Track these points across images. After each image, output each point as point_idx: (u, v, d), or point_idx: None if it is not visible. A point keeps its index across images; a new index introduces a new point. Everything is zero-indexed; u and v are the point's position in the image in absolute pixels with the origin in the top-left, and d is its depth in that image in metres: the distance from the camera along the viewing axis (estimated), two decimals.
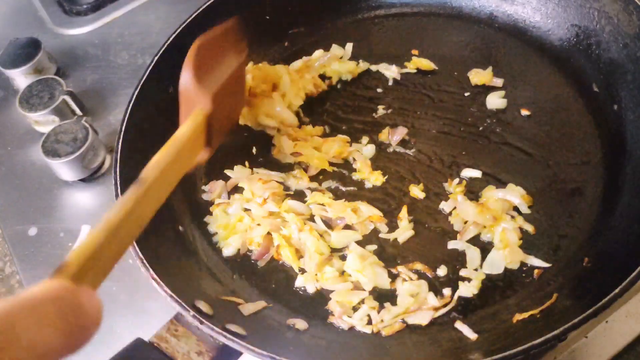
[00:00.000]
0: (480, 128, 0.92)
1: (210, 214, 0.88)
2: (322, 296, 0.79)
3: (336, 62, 1.03)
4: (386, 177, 0.88)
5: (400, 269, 0.79)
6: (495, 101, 0.94)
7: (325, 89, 1.01)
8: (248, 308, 0.76)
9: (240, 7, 1.04)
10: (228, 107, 0.74)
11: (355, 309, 0.77)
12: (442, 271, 0.78)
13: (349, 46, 1.06)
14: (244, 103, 0.85)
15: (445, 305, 0.75)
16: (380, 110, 0.97)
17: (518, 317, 0.70)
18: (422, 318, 0.74)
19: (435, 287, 0.77)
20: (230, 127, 0.79)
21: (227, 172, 0.92)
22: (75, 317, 0.39)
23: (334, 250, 0.82)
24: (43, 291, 0.39)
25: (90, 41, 1.26)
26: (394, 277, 0.79)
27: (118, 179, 0.80)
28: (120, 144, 0.84)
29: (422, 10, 1.10)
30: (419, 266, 0.79)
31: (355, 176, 0.89)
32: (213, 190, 0.91)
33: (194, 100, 0.68)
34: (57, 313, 0.38)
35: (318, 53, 1.05)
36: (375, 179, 0.88)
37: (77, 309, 0.40)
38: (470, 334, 0.71)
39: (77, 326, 0.39)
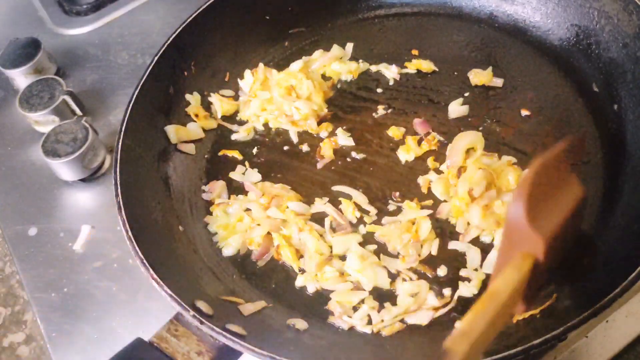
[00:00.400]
0: (480, 128, 0.92)
1: (210, 214, 0.88)
2: (322, 296, 0.79)
3: (336, 62, 1.03)
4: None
5: (401, 269, 0.79)
6: (456, 109, 0.94)
7: (330, 95, 1.01)
8: (248, 308, 0.76)
9: (241, 7, 1.04)
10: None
11: (355, 309, 0.77)
12: (442, 271, 0.78)
13: (349, 46, 1.06)
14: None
15: (445, 305, 0.75)
16: (380, 110, 0.97)
17: (518, 317, 0.70)
18: (422, 318, 0.74)
19: (435, 287, 0.77)
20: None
21: (232, 175, 0.92)
22: None
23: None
24: None
25: (90, 41, 1.26)
26: (393, 277, 0.79)
27: (118, 179, 0.80)
28: (120, 144, 0.84)
29: (422, 10, 1.10)
30: (419, 266, 0.79)
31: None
32: (213, 190, 0.91)
33: (521, 242, 0.53)
34: None
35: (318, 53, 1.05)
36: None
37: None
38: None
39: None
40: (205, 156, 0.96)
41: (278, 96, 0.97)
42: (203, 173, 0.94)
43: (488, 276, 0.77)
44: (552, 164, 0.56)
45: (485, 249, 0.79)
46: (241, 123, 1.00)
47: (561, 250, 0.59)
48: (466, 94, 0.96)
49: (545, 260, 0.54)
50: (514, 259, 0.54)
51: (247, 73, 1.02)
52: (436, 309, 0.75)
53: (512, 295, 0.52)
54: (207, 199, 0.90)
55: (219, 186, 0.91)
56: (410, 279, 0.78)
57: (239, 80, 1.03)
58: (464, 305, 0.75)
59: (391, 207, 0.85)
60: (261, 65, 1.01)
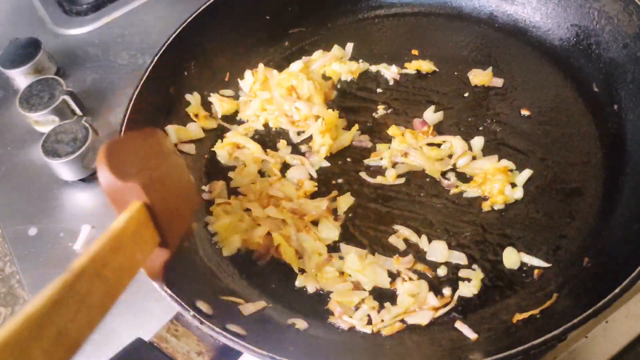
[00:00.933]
0: (480, 128, 0.92)
1: (211, 214, 0.88)
2: (322, 296, 0.79)
3: (336, 62, 1.03)
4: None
5: (401, 268, 0.79)
6: (431, 116, 0.94)
7: (332, 97, 1.01)
8: (248, 308, 0.75)
9: (241, 7, 1.04)
10: (174, 204, 0.67)
11: (356, 308, 0.77)
12: (442, 271, 0.78)
13: (349, 46, 1.06)
14: (196, 205, 0.80)
15: (445, 305, 0.75)
16: (380, 110, 0.97)
17: (518, 317, 0.70)
18: (422, 318, 0.74)
19: (435, 287, 0.77)
20: (187, 226, 0.72)
21: (231, 174, 0.92)
22: None
23: (331, 250, 0.82)
24: None
25: (90, 41, 1.26)
26: (394, 277, 0.79)
27: None
28: None
29: (422, 10, 1.10)
30: (419, 266, 0.79)
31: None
32: (213, 190, 0.91)
33: (124, 194, 0.63)
34: None
35: (318, 53, 1.05)
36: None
37: None
38: (470, 334, 0.71)
39: None
40: (205, 156, 0.96)
41: (279, 96, 0.97)
42: (203, 173, 0.94)
43: (487, 276, 0.77)
44: (127, 140, 0.70)
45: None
46: (240, 123, 1.00)
47: (175, 200, 0.68)
48: (466, 94, 0.96)
49: (157, 202, 0.62)
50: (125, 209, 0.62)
51: (248, 73, 1.02)
52: (436, 309, 0.75)
53: (129, 228, 0.61)
54: (207, 198, 0.90)
55: (219, 186, 0.91)
56: (410, 279, 0.78)
57: (239, 80, 1.03)
58: (464, 305, 0.75)
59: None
60: (261, 65, 1.01)
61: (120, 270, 0.59)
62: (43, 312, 0.48)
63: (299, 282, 0.80)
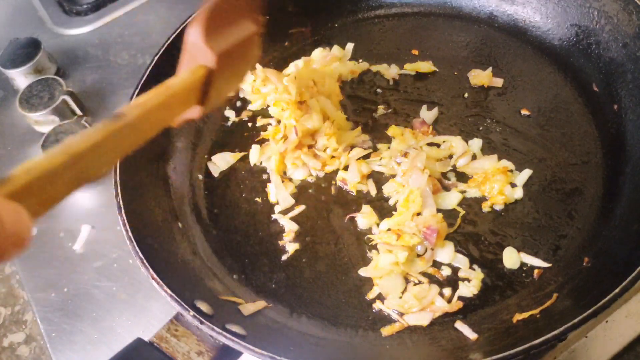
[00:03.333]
0: (480, 128, 0.92)
1: (211, 214, 0.88)
2: (322, 296, 0.79)
3: (336, 62, 1.03)
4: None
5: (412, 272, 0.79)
6: (429, 115, 0.94)
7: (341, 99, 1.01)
8: (248, 308, 0.76)
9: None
10: (231, 72, 0.71)
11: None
12: (445, 272, 0.78)
13: (350, 46, 1.06)
14: (246, 72, 0.82)
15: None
16: (380, 110, 0.97)
17: (518, 317, 0.70)
18: (423, 318, 0.74)
19: (440, 288, 0.77)
20: (228, 94, 0.77)
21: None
22: None
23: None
24: None
25: (90, 41, 1.26)
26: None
27: (118, 179, 0.80)
28: None
29: (422, 10, 1.10)
30: (429, 269, 0.78)
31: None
32: None
33: (198, 55, 0.66)
34: None
35: (317, 52, 1.05)
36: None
37: None
38: (470, 334, 0.71)
39: None
40: (206, 156, 0.96)
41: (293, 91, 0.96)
42: (203, 173, 0.94)
43: (487, 276, 0.77)
44: (229, 3, 0.69)
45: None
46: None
47: (234, 68, 0.72)
48: (466, 94, 0.96)
49: (220, 70, 0.65)
50: (191, 68, 0.65)
51: (248, 74, 1.02)
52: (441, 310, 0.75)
53: (185, 90, 0.63)
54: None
55: None
56: (420, 283, 0.78)
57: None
58: (464, 305, 0.75)
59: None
60: (259, 66, 1.01)
61: (157, 122, 0.59)
62: (84, 151, 0.49)
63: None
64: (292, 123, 0.90)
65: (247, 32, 0.73)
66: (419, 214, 0.81)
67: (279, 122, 0.96)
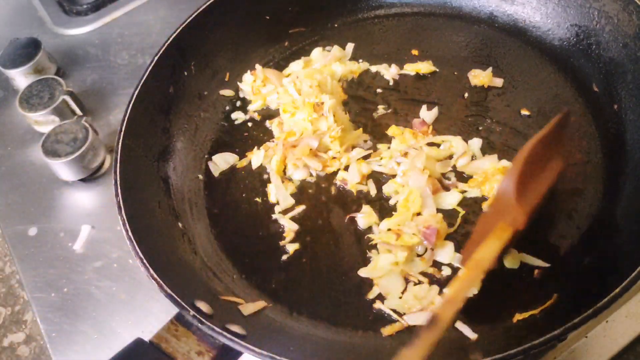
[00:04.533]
0: (480, 128, 0.92)
1: (211, 214, 0.88)
2: (323, 296, 0.79)
3: (336, 62, 1.03)
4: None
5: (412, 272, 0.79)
6: (428, 115, 0.94)
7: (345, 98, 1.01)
8: (248, 308, 0.75)
9: (241, 7, 1.04)
10: (531, 220, 0.64)
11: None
12: (445, 272, 0.78)
13: (350, 46, 1.06)
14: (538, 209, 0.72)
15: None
16: (380, 110, 0.97)
17: (518, 317, 0.70)
18: (423, 318, 0.74)
19: (440, 288, 0.77)
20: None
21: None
22: None
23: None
24: None
25: (90, 41, 1.26)
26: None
27: (118, 179, 0.80)
28: (120, 144, 0.84)
29: (422, 10, 1.10)
30: (429, 269, 0.78)
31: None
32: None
33: (507, 214, 0.60)
34: None
35: (317, 52, 1.05)
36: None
37: None
38: (470, 334, 0.71)
39: None
40: (206, 156, 0.96)
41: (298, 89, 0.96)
42: (203, 173, 0.94)
43: (487, 276, 0.77)
44: (543, 142, 0.63)
45: None
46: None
47: (536, 215, 0.65)
48: (466, 94, 0.96)
49: (523, 228, 0.60)
50: (496, 229, 0.60)
51: (247, 76, 1.03)
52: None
53: (491, 263, 0.59)
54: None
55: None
56: (420, 282, 0.77)
57: (238, 82, 1.04)
58: (464, 305, 0.75)
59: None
60: (258, 66, 1.02)
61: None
62: None
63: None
64: (307, 127, 0.90)
65: (554, 173, 0.66)
66: (418, 214, 0.81)
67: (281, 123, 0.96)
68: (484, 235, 0.60)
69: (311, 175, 0.91)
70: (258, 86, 1.00)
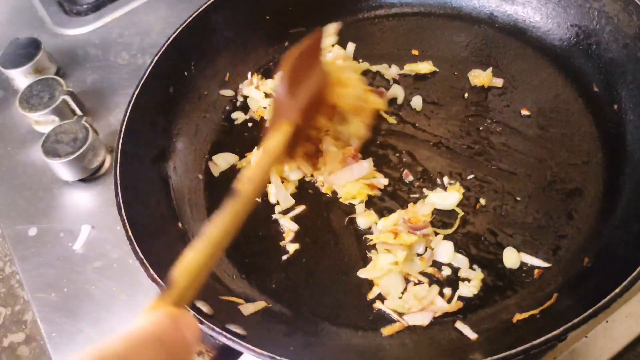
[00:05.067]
0: (481, 128, 0.92)
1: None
2: (323, 297, 0.79)
3: (340, 60, 1.03)
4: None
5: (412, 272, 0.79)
6: (418, 103, 0.96)
7: None
8: (248, 308, 0.76)
9: (241, 7, 1.04)
10: (310, 118, 0.78)
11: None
12: (445, 272, 0.78)
13: (351, 46, 1.06)
14: (319, 112, 0.87)
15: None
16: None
17: (518, 317, 0.71)
18: (423, 319, 0.74)
19: (440, 288, 0.77)
20: (306, 136, 0.83)
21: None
22: (177, 347, 0.42)
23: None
24: (149, 327, 0.43)
25: (90, 41, 1.26)
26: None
27: (118, 179, 0.80)
28: (120, 144, 0.84)
29: (422, 10, 1.10)
30: (429, 269, 0.78)
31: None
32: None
33: (284, 112, 0.72)
34: (162, 348, 0.41)
35: None
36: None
37: (180, 340, 0.43)
38: (470, 334, 0.71)
39: (177, 354, 0.42)
40: (206, 156, 0.96)
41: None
42: (203, 173, 0.94)
43: (487, 276, 0.77)
44: (304, 53, 0.78)
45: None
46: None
47: (311, 113, 0.79)
48: (466, 95, 0.96)
49: (302, 123, 0.72)
50: (279, 125, 0.71)
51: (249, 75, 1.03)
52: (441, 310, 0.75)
53: (280, 151, 0.70)
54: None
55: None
56: (420, 282, 0.77)
57: (240, 84, 1.04)
58: (464, 305, 0.75)
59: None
60: (249, 74, 1.03)
61: (262, 186, 0.67)
62: (222, 236, 0.55)
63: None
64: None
65: (319, 77, 0.79)
66: None
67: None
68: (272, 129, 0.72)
69: (311, 176, 0.91)
70: (258, 84, 1.00)
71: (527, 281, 0.76)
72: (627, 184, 0.80)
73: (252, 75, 1.04)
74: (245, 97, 1.03)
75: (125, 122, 0.86)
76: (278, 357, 0.63)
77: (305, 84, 0.76)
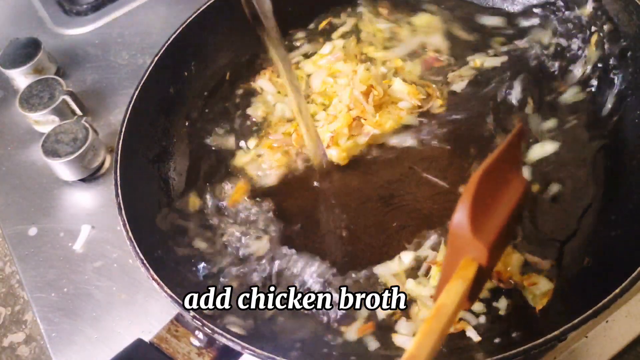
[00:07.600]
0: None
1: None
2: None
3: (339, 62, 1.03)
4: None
5: None
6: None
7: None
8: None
9: (241, 7, 1.04)
10: (502, 247, 0.58)
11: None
12: None
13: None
14: (510, 239, 0.66)
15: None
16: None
17: (518, 316, 0.70)
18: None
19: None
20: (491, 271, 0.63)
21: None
22: None
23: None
24: None
25: (90, 41, 1.26)
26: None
27: (118, 179, 0.80)
28: (120, 144, 0.84)
29: None
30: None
31: None
32: None
33: (465, 248, 0.53)
34: None
35: (328, 48, 1.04)
36: None
37: None
38: (474, 335, 0.71)
39: None
40: None
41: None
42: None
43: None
44: (496, 166, 0.55)
45: None
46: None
47: (503, 245, 0.60)
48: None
49: (489, 262, 0.53)
50: (458, 268, 0.54)
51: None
52: None
53: (459, 306, 0.52)
54: None
55: None
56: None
57: (252, 81, 1.04)
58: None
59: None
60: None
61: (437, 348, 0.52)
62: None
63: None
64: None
65: (514, 198, 0.57)
66: None
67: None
68: (448, 278, 0.54)
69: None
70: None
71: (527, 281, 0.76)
72: (627, 184, 0.80)
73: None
74: (245, 97, 1.03)
75: (125, 122, 0.86)
76: (278, 358, 0.63)
77: (500, 207, 0.55)
